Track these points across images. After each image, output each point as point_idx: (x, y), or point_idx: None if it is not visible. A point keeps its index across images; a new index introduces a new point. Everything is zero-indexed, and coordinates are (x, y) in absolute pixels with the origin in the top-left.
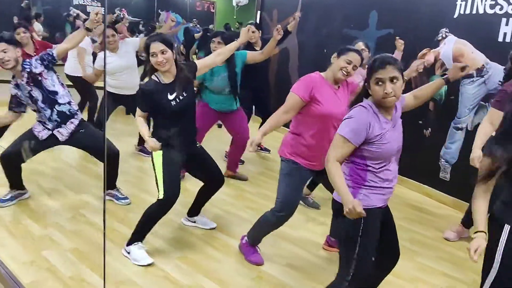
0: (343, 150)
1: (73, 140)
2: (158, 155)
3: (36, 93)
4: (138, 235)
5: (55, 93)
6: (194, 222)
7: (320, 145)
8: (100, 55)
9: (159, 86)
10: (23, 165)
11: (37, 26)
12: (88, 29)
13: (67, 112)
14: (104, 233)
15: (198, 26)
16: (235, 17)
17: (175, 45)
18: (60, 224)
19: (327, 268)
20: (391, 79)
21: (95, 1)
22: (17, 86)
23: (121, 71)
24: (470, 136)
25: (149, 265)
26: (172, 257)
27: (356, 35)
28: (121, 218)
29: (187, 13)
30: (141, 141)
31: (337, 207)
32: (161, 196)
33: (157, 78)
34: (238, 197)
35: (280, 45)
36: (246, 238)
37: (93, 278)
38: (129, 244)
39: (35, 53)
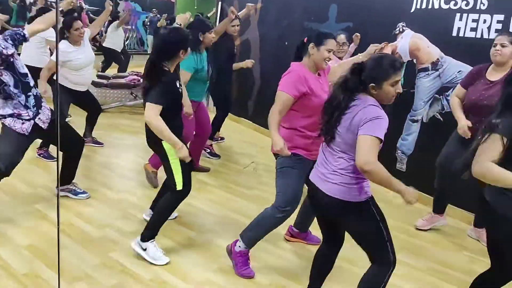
0: (377, 150)
1: (51, 132)
2: (171, 147)
3: (7, 78)
4: (154, 231)
5: (26, 75)
6: None
7: (316, 134)
8: (63, 48)
9: (173, 76)
10: None
11: None
12: (62, 11)
13: (38, 95)
14: (58, 228)
15: (158, 15)
16: (195, 7)
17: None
18: (13, 220)
19: (289, 259)
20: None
21: None
22: None
23: (87, 66)
24: (425, 128)
25: (108, 259)
26: (131, 250)
27: (317, 27)
28: (78, 213)
29: (146, 3)
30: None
31: (344, 206)
32: (179, 187)
33: (168, 68)
34: (199, 189)
35: (242, 37)
36: (239, 244)
37: (49, 274)
38: (143, 240)
39: None
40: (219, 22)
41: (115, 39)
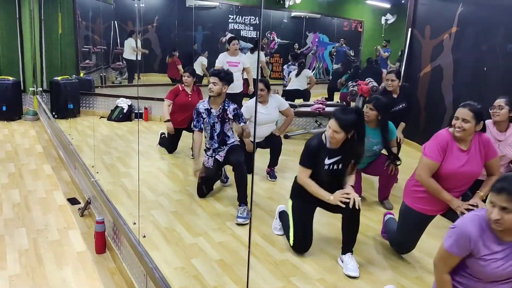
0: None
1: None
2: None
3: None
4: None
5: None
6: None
7: None
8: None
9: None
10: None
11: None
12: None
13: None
14: (249, 250)
15: (344, 46)
16: (382, 35)
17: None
18: (208, 234)
19: None
20: (503, 208)
21: (248, 26)
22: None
23: (267, 124)
24: None
25: (289, 283)
26: (311, 278)
27: None
28: (263, 234)
29: (334, 34)
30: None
31: None
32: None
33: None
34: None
35: (433, 63)
36: None
37: None
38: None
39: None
40: (408, 50)
41: (301, 82)
